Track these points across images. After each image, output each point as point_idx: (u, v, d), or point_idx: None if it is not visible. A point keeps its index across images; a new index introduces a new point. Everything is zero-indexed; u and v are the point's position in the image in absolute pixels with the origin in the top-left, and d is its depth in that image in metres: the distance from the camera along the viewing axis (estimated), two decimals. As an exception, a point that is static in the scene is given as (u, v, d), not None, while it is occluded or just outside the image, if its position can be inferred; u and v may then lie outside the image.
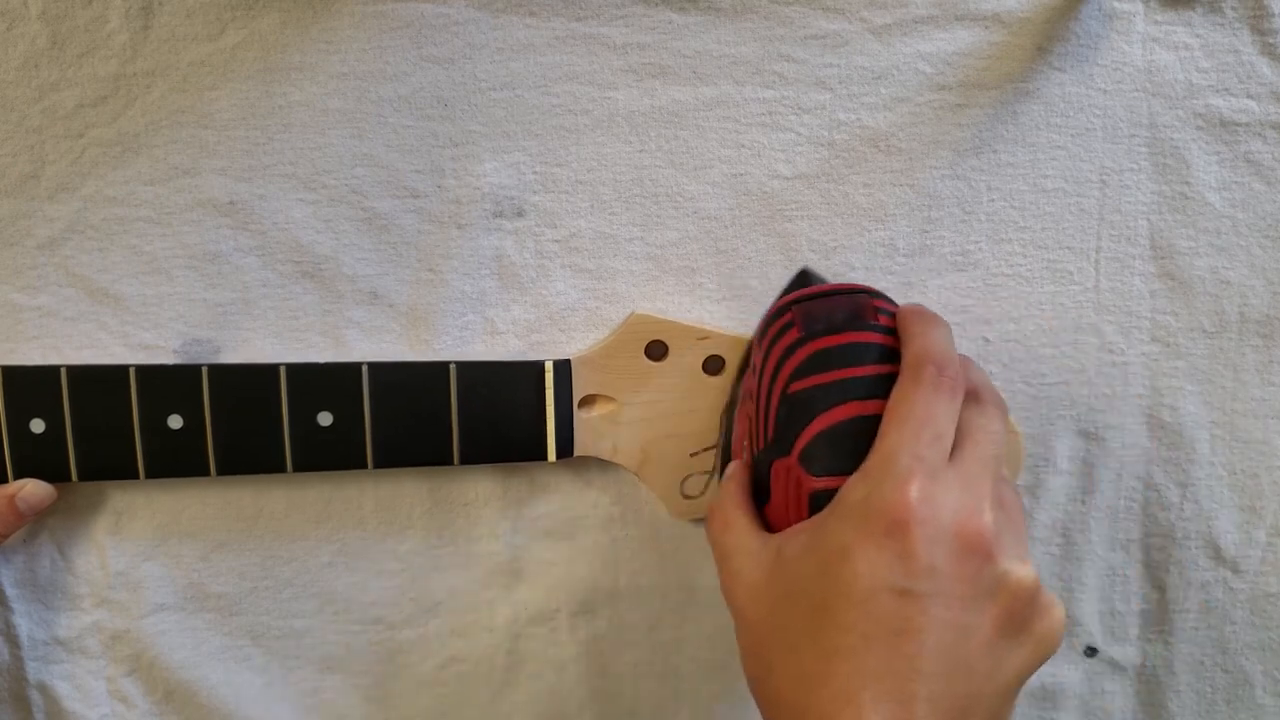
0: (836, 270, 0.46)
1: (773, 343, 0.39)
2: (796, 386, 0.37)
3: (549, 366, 0.43)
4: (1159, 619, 0.49)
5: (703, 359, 0.44)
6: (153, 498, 0.45)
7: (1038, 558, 0.48)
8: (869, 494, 0.33)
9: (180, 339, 0.44)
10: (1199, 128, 0.46)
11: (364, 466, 0.43)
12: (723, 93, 0.44)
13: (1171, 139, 0.46)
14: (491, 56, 0.43)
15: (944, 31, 0.44)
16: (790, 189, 0.45)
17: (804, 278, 0.45)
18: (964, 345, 0.46)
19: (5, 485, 0.42)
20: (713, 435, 0.45)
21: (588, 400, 0.44)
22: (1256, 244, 0.46)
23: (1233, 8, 0.45)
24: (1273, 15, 0.45)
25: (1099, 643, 0.49)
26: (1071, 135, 0.45)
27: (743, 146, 0.45)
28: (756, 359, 0.40)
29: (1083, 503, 0.48)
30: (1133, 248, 0.46)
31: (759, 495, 0.39)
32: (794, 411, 0.37)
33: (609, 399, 0.44)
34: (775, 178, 0.45)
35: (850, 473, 0.35)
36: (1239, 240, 0.46)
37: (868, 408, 0.36)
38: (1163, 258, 0.46)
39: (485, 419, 0.43)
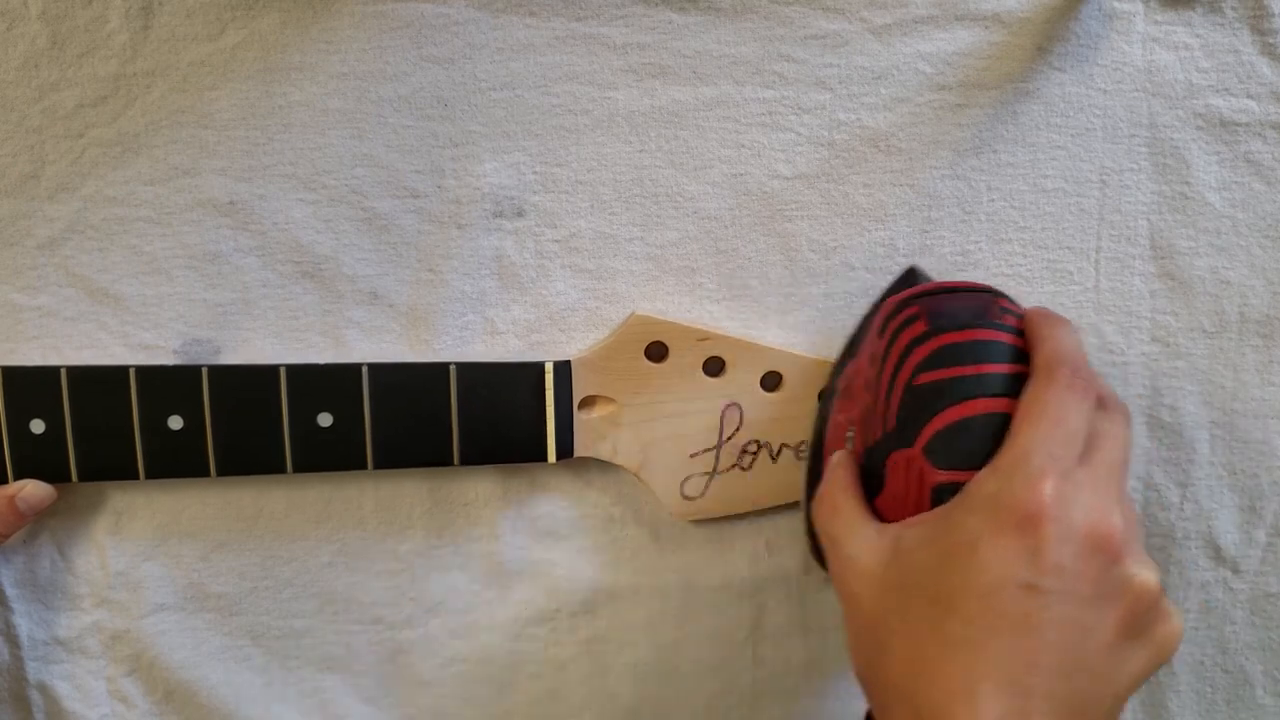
0: (835, 269, 0.46)
1: (896, 334, 0.39)
2: (923, 379, 0.37)
3: (549, 368, 0.43)
4: (1159, 619, 0.49)
5: (703, 360, 0.44)
6: (153, 498, 0.45)
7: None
8: (1000, 489, 0.34)
9: (180, 339, 0.44)
10: (1199, 128, 0.46)
11: (364, 467, 0.43)
12: (723, 93, 0.44)
13: (1171, 139, 0.46)
14: (491, 56, 0.43)
15: (944, 31, 0.44)
16: (790, 189, 0.45)
17: (912, 275, 0.45)
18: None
19: (5, 486, 0.42)
20: (712, 436, 0.45)
21: (588, 401, 0.44)
22: (1256, 244, 0.46)
23: (1233, 8, 0.45)
24: (1273, 15, 0.45)
25: (1099, 643, 0.49)
26: (1071, 135, 0.45)
27: (743, 146, 0.45)
28: (876, 350, 0.40)
29: (1083, 503, 0.48)
30: (1133, 248, 0.46)
31: (869, 485, 0.39)
32: (919, 404, 0.37)
33: (609, 400, 0.44)
34: (775, 178, 0.45)
35: (976, 468, 0.35)
36: (1239, 240, 0.46)
37: (996, 405, 0.36)
38: (1163, 258, 0.46)
39: (485, 420, 0.43)
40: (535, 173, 0.44)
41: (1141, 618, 0.34)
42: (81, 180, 0.43)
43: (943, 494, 0.36)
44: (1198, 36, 0.45)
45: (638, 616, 0.48)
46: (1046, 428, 0.34)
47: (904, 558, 0.35)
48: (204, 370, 0.42)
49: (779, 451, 0.45)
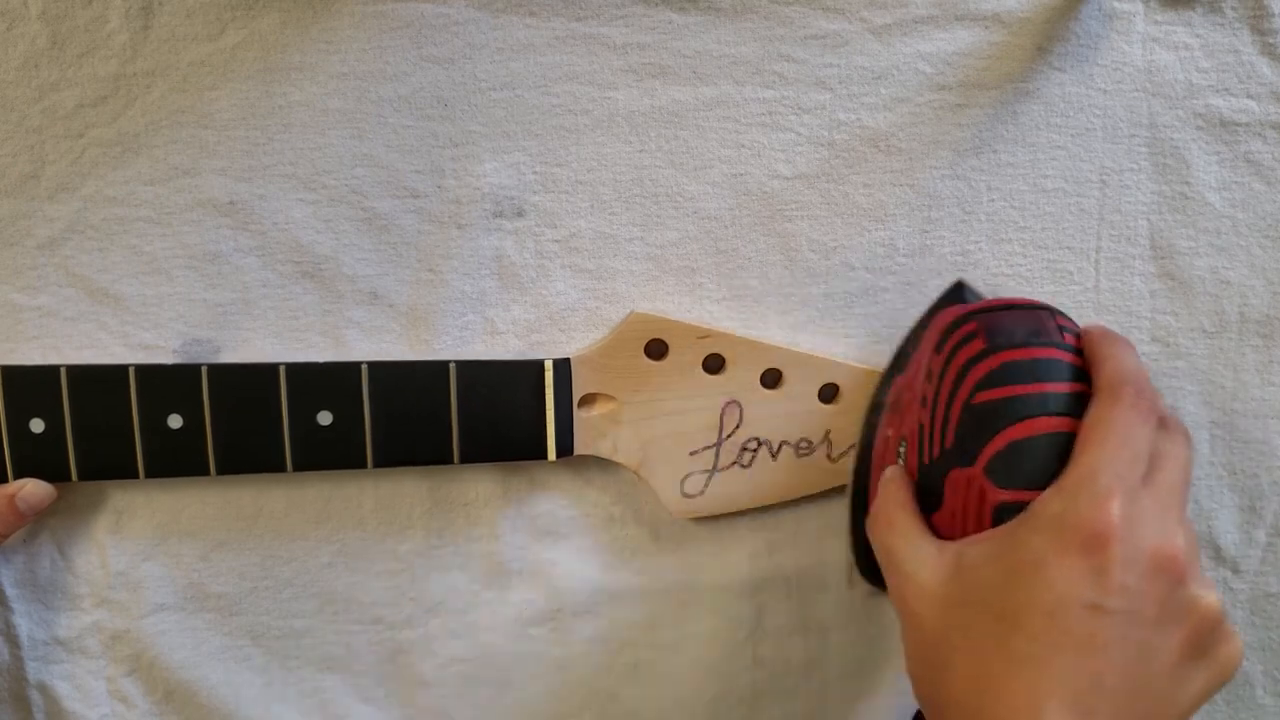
0: (835, 269, 0.46)
1: (954, 352, 0.39)
2: (982, 397, 0.37)
3: (549, 365, 0.43)
4: (1159, 619, 0.49)
5: (703, 358, 0.44)
6: (153, 497, 0.45)
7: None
8: (1066, 509, 0.34)
9: (180, 339, 0.44)
10: (1199, 128, 0.46)
11: (364, 466, 0.43)
12: (723, 93, 0.44)
13: (1171, 139, 0.46)
14: (491, 56, 0.43)
15: (944, 31, 0.44)
16: (790, 189, 0.45)
17: (959, 289, 0.45)
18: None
19: (5, 485, 0.42)
20: (712, 434, 0.45)
21: (588, 399, 0.44)
22: (1256, 244, 0.46)
23: (1233, 8, 0.45)
24: (1273, 15, 0.45)
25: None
26: (1071, 135, 0.45)
27: (743, 146, 0.45)
28: (932, 366, 0.40)
29: (1083, 503, 0.48)
30: (1133, 248, 0.46)
31: (925, 502, 0.39)
32: (979, 422, 0.37)
33: (609, 398, 0.44)
34: (775, 178, 0.45)
35: (1039, 487, 0.35)
36: (1239, 240, 0.46)
37: (1058, 425, 0.36)
38: (1163, 258, 0.46)
39: (485, 418, 0.43)
40: (535, 173, 0.44)
41: (1204, 639, 0.34)
42: (81, 180, 0.43)
43: (1004, 513, 0.36)
44: (1198, 36, 0.45)
45: (638, 616, 0.48)
46: (1112, 448, 0.34)
47: (967, 575, 0.35)
48: (203, 369, 0.42)
49: (779, 449, 0.45)
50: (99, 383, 0.41)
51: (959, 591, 0.35)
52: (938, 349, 0.40)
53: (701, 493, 0.45)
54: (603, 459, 0.45)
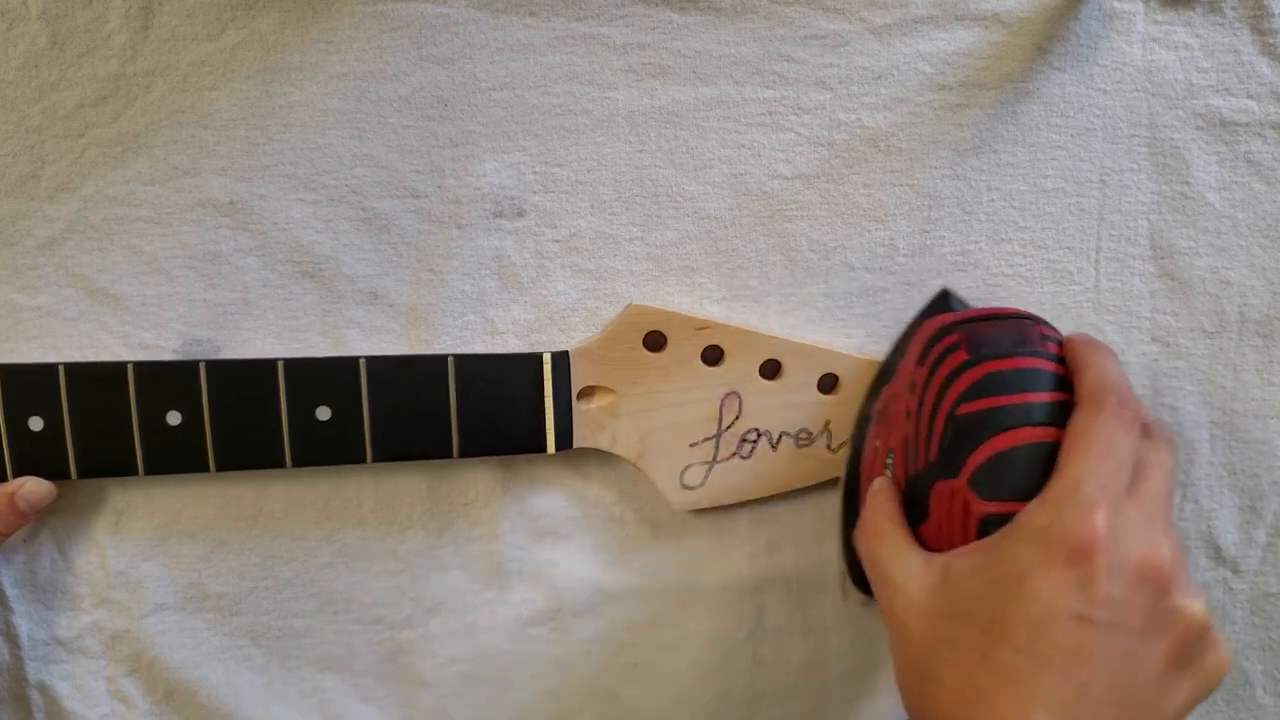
0: (835, 269, 0.46)
1: (937, 363, 0.39)
2: (965, 409, 0.37)
3: (547, 359, 0.43)
4: (1159, 619, 0.49)
5: (701, 349, 0.44)
6: (153, 497, 0.45)
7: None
8: (1051, 521, 0.34)
9: (180, 339, 0.44)
10: (1199, 128, 0.46)
11: (363, 461, 0.43)
12: (723, 93, 0.44)
13: (1171, 139, 0.46)
14: (491, 56, 0.43)
15: (944, 31, 0.44)
16: (790, 189, 0.45)
17: (945, 298, 0.45)
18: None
19: (5, 483, 0.42)
20: (711, 426, 0.45)
21: (586, 392, 0.44)
22: (1256, 244, 0.46)
23: (1233, 8, 0.45)
24: (1273, 15, 0.45)
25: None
26: (1071, 135, 0.45)
27: (743, 146, 0.45)
28: (916, 378, 0.40)
29: (1083, 503, 0.48)
30: (1133, 248, 0.46)
31: (912, 514, 0.39)
32: (962, 434, 0.37)
33: (608, 390, 0.44)
34: (775, 178, 0.45)
35: (1023, 499, 0.35)
36: (1239, 240, 0.46)
37: (1041, 435, 0.36)
38: (1163, 258, 0.46)
39: (484, 412, 0.43)
40: (535, 173, 0.44)
41: (1190, 648, 0.34)
42: (81, 180, 0.43)
43: (989, 525, 0.36)
44: (1198, 36, 0.45)
45: (638, 616, 0.48)
46: (1096, 458, 0.34)
47: (954, 586, 0.35)
48: (201, 365, 0.42)
49: (779, 440, 0.45)
50: (97, 380, 0.41)
51: (946, 603, 0.35)
52: (921, 360, 0.40)
53: (701, 484, 0.45)
54: (602, 454, 0.45)
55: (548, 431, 0.44)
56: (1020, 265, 0.46)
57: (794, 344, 0.45)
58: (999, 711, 0.33)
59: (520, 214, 0.45)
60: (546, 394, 0.43)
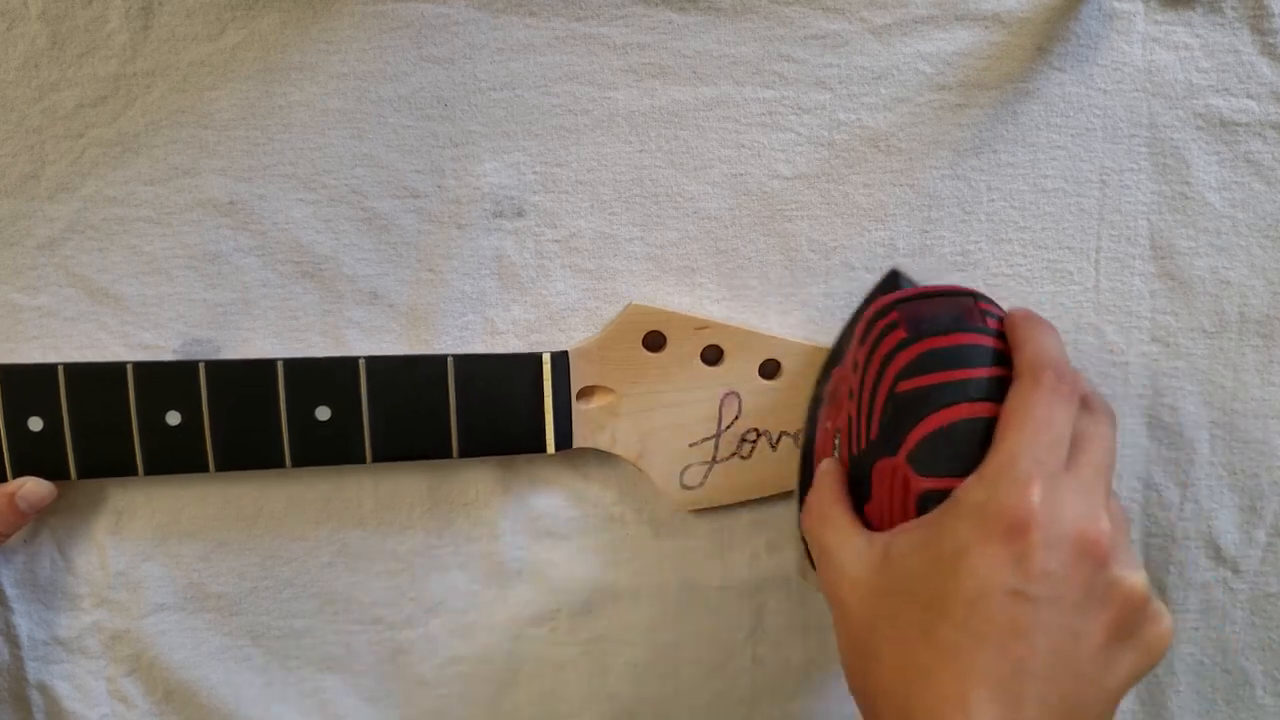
0: (835, 269, 0.46)
1: (877, 342, 0.39)
2: (904, 386, 0.37)
3: (546, 359, 0.43)
4: (1159, 619, 0.49)
5: (701, 349, 0.44)
6: (152, 497, 0.45)
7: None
8: (988, 496, 0.34)
9: (180, 339, 0.44)
10: (1199, 128, 0.46)
11: (363, 461, 0.43)
12: (723, 93, 0.44)
13: (1171, 139, 0.46)
14: (491, 56, 0.43)
15: (944, 31, 0.44)
16: (790, 189, 0.45)
17: (894, 278, 0.45)
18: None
19: (5, 484, 0.42)
20: (711, 425, 0.45)
21: (586, 392, 0.44)
22: (1256, 244, 0.46)
23: (1233, 8, 0.45)
24: (1273, 15, 0.45)
25: (1099, 643, 0.49)
26: (1071, 135, 0.45)
27: (743, 146, 0.45)
28: (858, 357, 0.40)
29: (1083, 503, 0.48)
30: (1133, 248, 0.46)
31: (857, 493, 0.39)
32: (901, 412, 0.37)
33: (607, 390, 0.44)
34: (775, 178, 0.45)
35: (961, 474, 0.35)
36: (1239, 240, 0.46)
37: (979, 410, 0.36)
38: (1163, 258, 0.46)
39: (483, 412, 0.43)
40: (535, 173, 0.44)
41: (1130, 620, 0.34)
42: (81, 180, 0.43)
43: (928, 502, 0.36)
44: (1198, 36, 0.45)
45: (638, 616, 0.48)
46: (1031, 433, 0.34)
47: (894, 565, 0.35)
48: (201, 365, 0.42)
49: (778, 439, 0.45)
50: (97, 380, 0.41)
51: (887, 582, 0.35)
52: (862, 340, 0.40)
53: (701, 484, 0.45)
54: (602, 453, 0.45)
55: (547, 431, 0.44)
56: (1020, 265, 0.46)
57: (793, 343, 0.45)
58: (939, 688, 0.32)
59: (520, 214, 0.45)
60: (546, 394, 0.43)
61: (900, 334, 0.38)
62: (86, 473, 0.42)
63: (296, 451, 0.42)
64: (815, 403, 0.44)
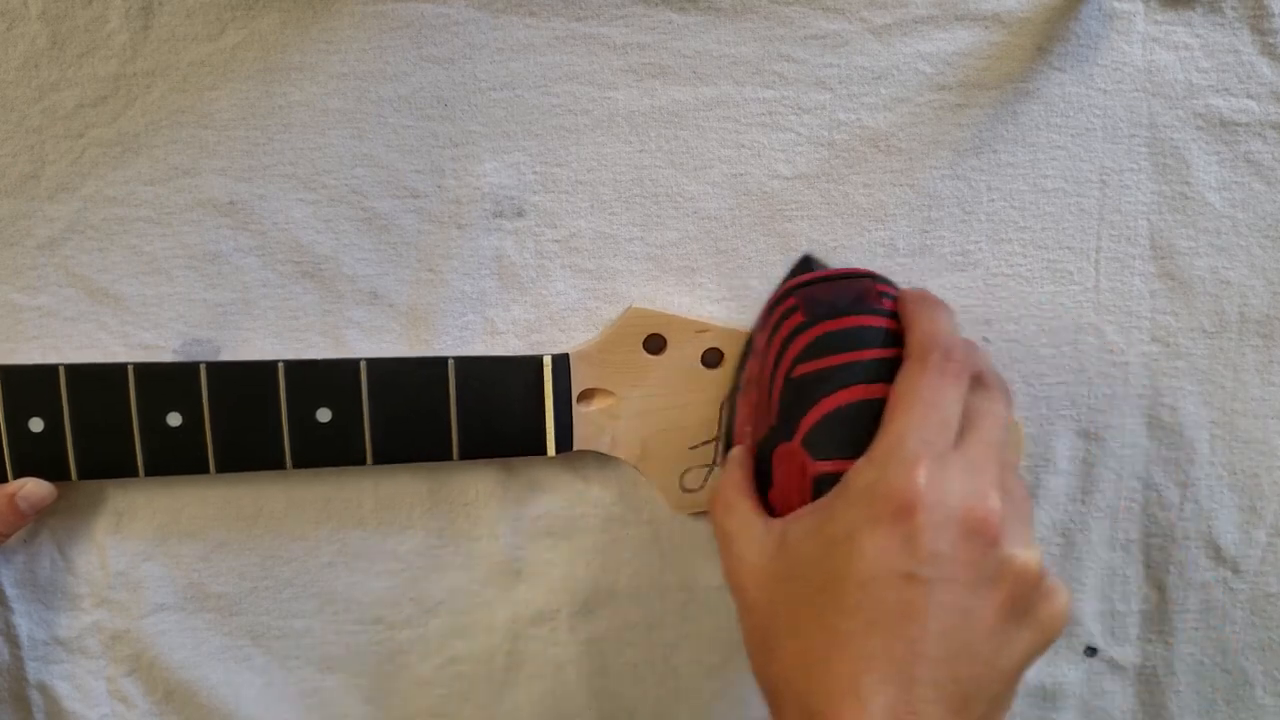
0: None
1: (776, 327, 0.39)
2: (800, 370, 0.37)
3: (547, 361, 0.43)
4: (1159, 619, 0.49)
5: (701, 352, 0.44)
6: (153, 498, 0.45)
7: (1038, 558, 0.48)
8: (876, 479, 0.34)
9: (180, 339, 0.44)
10: (1199, 128, 0.46)
11: (363, 463, 0.43)
12: (723, 93, 0.44)
13: (1171, 139, 0.46)
14: (491, 56, 0.43)
15: (944, 31, 0.44)
16: (790, 189, 0.45)
17: (806, 263, 0.45)
18: (964, 345, 0.46)
19: (5, 484, 0.42)
20: (712, 428, 0.45)
21: (586, 394, 0.44)
22: (1256, 244, 0.46)
23: (1233, 8, 0.45)
24: (1273, 15, 0.45)
25: (1099, 643, 0.49)
26: (1071, 135, 0.45)
27: (743, 146, 0.45)
28: (760, 343, 0.40)
29: (1083, 503, 0.48)
30: (1133, 248, 0.46)
31: (762, 481, 0.39)
32: (798, 396, 0.37)
33: (608, 393, 0.44)
34: (775, 178, 0.45)
35: (854, 457, 0.35)
36: (1239, 240, 0.46)
37: (872, 391, 0.36)
38: (1163, 258, 0.46)
39: (484, 414, 0.43)
40: (535, 173, 0.44)
41: (1024, 599, 0.33)
42: (81, 180, 0.43)
43: (823, 485, 0.36)
44: (1198, 36, 0.45)
45: (638, 616, 0.48)
46: (919, 413, 0.34)
47: (790, 551, 0.35)
48: (202, 366, 0.42)
49: (778, 443, 0.45)
50: (97, 381, 0.41)
51: (784, 568, 0.35)
52: (762, 326, 0.40)
53: (701, 487, 0.45)
54: (603, 455, 0.45)
55: (548, 434, 0.44)
56: (1020, 265, 0.46)
57: (794, 345, 0.45)
58: (831, 677, 0.32)
59: (520, 214, 0.45)
60: (546, 396, 0.43)
61: (798, 318, 0.38)
62: (87, 473, 0.42)
63: (297, 453, 0.42)
64: (734, 391, 0.44)
